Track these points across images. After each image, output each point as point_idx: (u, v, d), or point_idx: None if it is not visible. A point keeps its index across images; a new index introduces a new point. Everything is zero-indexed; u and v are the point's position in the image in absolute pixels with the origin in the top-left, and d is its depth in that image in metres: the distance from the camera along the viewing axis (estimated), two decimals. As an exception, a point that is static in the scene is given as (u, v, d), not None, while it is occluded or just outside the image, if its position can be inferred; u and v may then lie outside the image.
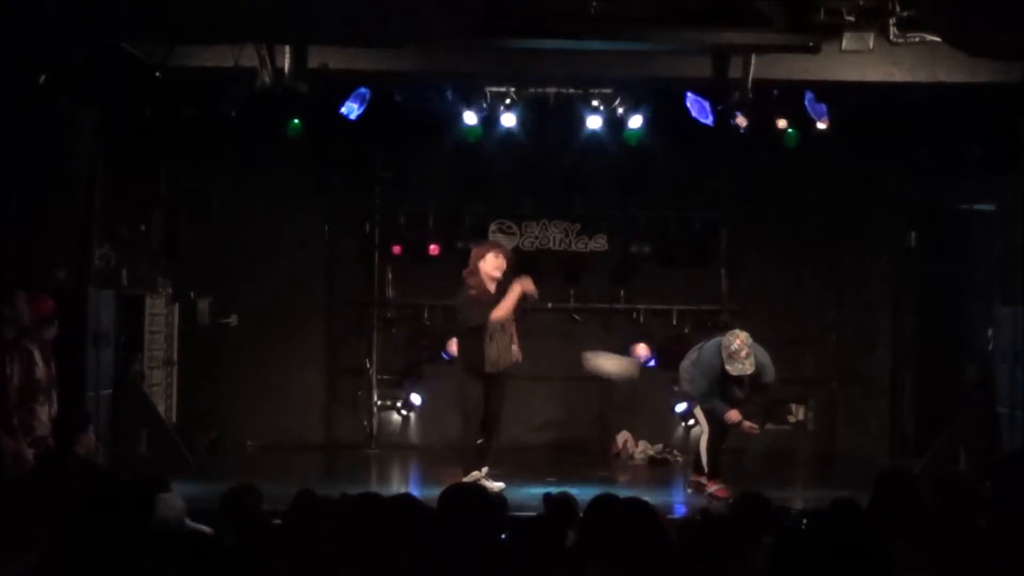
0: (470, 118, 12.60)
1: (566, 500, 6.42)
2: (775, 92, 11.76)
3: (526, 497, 9.30)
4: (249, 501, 6.48)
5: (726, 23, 10.45)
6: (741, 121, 11.90)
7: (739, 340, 10.58)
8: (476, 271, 10.62)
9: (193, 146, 13.27)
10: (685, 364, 11.14)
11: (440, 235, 13.93)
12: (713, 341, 10.91)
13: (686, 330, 14.00)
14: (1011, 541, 5.08)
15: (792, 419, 14.01)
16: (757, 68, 10.88)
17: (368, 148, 13.87)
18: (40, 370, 9.01)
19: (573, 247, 14.23)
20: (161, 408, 12.87)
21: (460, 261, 11.07)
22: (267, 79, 10.49)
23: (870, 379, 14.19)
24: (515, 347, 10.71)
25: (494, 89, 12.37)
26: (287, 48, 10.49)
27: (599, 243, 14.23)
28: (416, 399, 14.18)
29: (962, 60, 10.41)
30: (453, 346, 13.32)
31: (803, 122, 12.04)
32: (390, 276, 14.25)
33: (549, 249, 14.18)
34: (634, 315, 14.28)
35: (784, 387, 11.91)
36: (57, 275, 10.55)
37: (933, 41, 10.27)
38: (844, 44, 10.27)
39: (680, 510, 10.27)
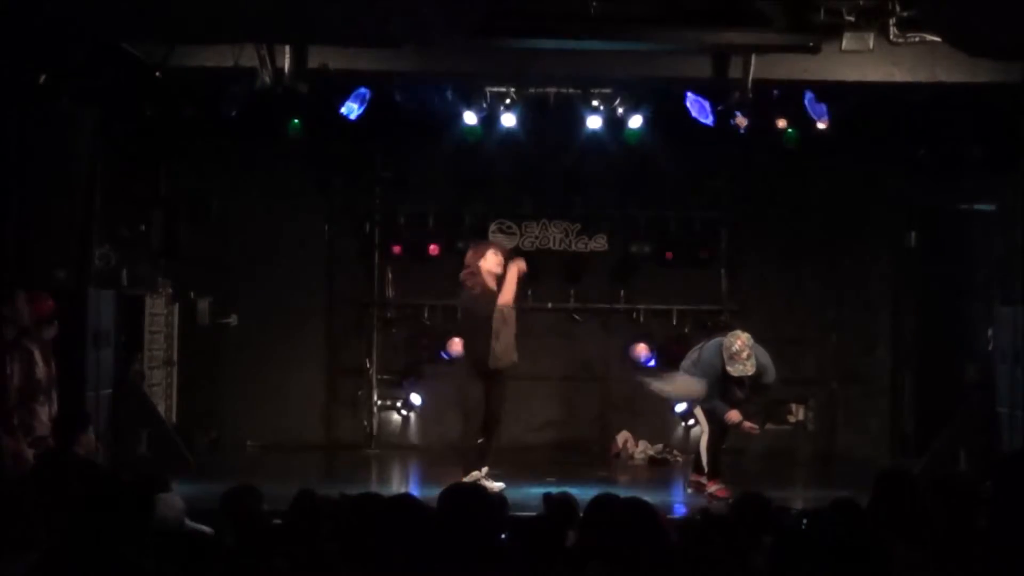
0: (470, 118, 12.60)
1: (566, 500, 6.41)
2: (775, 92, 11.77)
3: (526, 497, 9.29)
4: (249, 501, 6.47)
5: (726, 23, 10.45)
6: (741, 121, 11.91)
7: (740, 341, 10.58)
8: (477, 271, 10.63)
9: (193, 146, 13.28)
10: (685, 364, 11.13)
11: (440, 235, 13.93)
12: (714, 341, 10.90)
13: (686, 330, 14.00)
14: (1011, 541, 5.08)
15: (792, 419, 14.01)
16: (757, 68, 10.87)
17: (368, 148, 13.87)
18: (40, 370, 9.01)
19: (573, 247, 14.23)
20: (161, 408, 12.88)
21: (460, 261, 11.06)
22: (267, 79, 10.49)
23: (870, 379, 14.19)
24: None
25: (494, 89, 12.37)
26: (287, 48, 10.49)
27: (599, 243, 14.23)
28: (416, 399, 14.18)
29: (962, 60, 10.41)
30: (453, 346, 13.38)
31: (803, 122, 12.04)
32: (390, 276, 14.25)
33: (549, 249, 14.17)
34: (634, 315, 14.28)
35: (784, 387, 11.91)
36: (57, 275, 10.55)
37: (933, 41, 10.26)
38: (844, 44, 10.27)
39: (680, 510, 10.27)
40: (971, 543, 5.37)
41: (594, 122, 12.71)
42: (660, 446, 13.77)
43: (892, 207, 14.01)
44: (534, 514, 6.24)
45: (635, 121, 12.67)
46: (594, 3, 10.04)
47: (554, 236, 14.22)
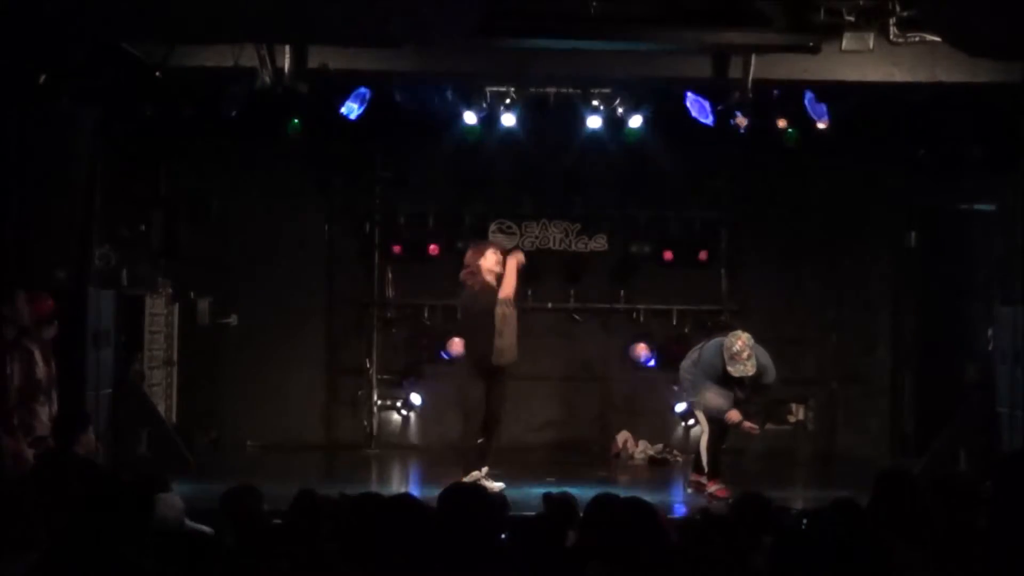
0: (470, 118, 12.60)
1: (566, 500, 6.42)
2: (775, 92, 11.76)
3: (526, 497, 9.29)
4: (249, 501, 6.47)
5: (726, 23, 10.45)
6: (741, 121, 11.90)
7: (741, 341, 10.57)
8: (478, 270, 10.64)
9: (193, 146, 13.29)
10: (685, 364, 11.13)
11: (440, 235, 13.93)
12: (714, 341, 10.90)
13: (686, 330, 14.00)
14: (1011, 541, 5.08)
15: (792, 419, 14.00)
16: (757, 68, 10.87)
17: (368, 148, 13.87)
18: (40, 370, 9.01)
19: (573, 247, 14.23)
20: (161, 408, 12.88)
21: (460, 261, 11.07)
22: (267, 79, 10.49)
23: (870, 379, 14.19)
24: None
25: (494, 89, 12.36)
26: (287, 48, 10.49)
27: (599, 243, 14.24)
28: (416, 399, 14.18)
29: (962, 60, 10.41)
30: (453, 346, 13.38)
31: (803, 122, 12.03)
32: (390, 276, 14.24)
33: (549, 249, 14.18)
34: (634, 315, 14.28)
35: (784, 387, 11.91)
36: (57, 275, 10.56)
37: (933, 41, 10.26)
38: (844, 44, 10.27)
39: (680, 510, 10.27)
40: (971, 543, 5.37)
41: (594, 122, 12.71)
42: (660, 446, 13.77)
43: (892, 207, 14.01)
44: (534, 514, 6.24)
45: (635, 121, 12.67)
46: (594, 3, 10.04)
47: (554, 236, 14.22)
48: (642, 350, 14.09)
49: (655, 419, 14.04)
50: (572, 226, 14.22)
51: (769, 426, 12.34)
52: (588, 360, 14.33)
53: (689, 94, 11.96)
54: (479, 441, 10.71)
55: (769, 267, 14.27)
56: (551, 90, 12.37)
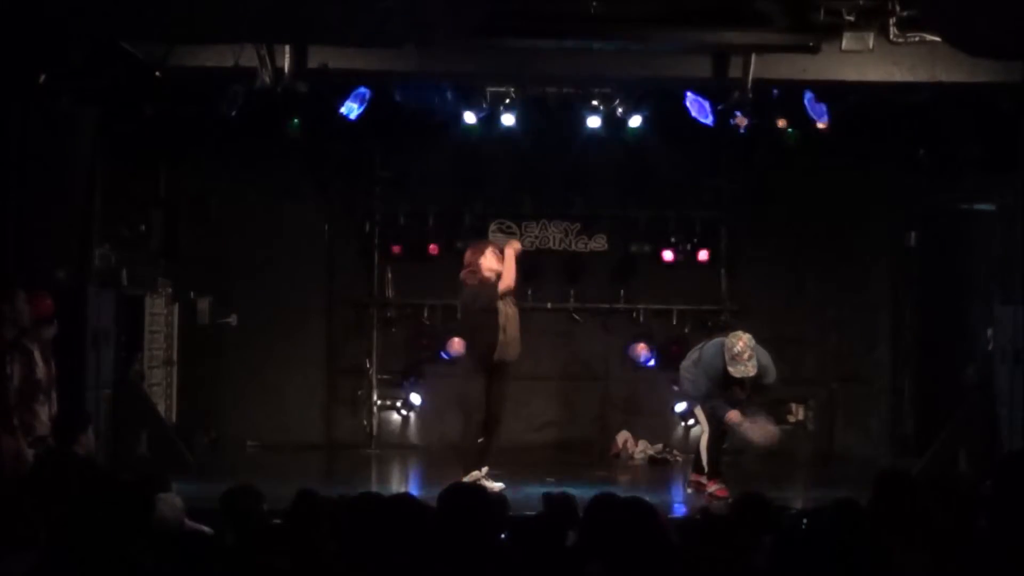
0: (470, 118, 12.61)
1: (566, 500, 6.41)
2: (775, 92, 11.76)
3: (526, 497, 9.29)
4: (249, 501, 6.47)
5: (726, 23, 10.45)
6: (741, 121, 11.91)
7: (742, 342, 10.57)
8: (478, 269, 10.64)
9: (193, 146, 13.28)
10: (686, 364, 11.13)
11: (440, 235, 13.93)
12: (715, 341, 10.90)
13: (686, 330, 14.01)
14: (1011, 541, 5.07)
15: (792, 419, 14.00)
16: (757, 68, 10.88)
17: (368, 148, 13.87)
18: (40, 370, 8.99)
19: (573, 247, 14.23)
20: (161, 408, 12.88)
21: (460, 261, 11.07)
22: (267, 79, 10.49)
23: (870, 379, 14.19)
24: None
25: (494, 89, 12.37)
26: (287, 48, 10.49)
27: (599, 243, 14.24)
28: (416, 399, 14.18)
29: (962, 60, 10.41)
30: (453, 346, 13.39)
31: (803, 122, 12.03)
32: (390, 276, 14.24)
33: (549, 249, 14.18)
34: (634, 315, 14.28)
35: (784, 387, 11.90)
36: (57, 275, 10.56)
37: (933, 41, 10.27)
38: (844, 44, 10.27)
39: (680, 510, 10.28)
40: (971, 543, 5.37)
41: (594, 122, 12.72)
42: (660, 446, 13.77)
43: (892, 207, 14.01)
44: (534, 514, 6.24)
45: (635, 121, 12.67)
46: (594, 3, 10.03)
47: (554, 236, 14.22)
48: (642, 350, 14.09)
49: (655, 419, 14.04)
50: (572, 226, 14.23)
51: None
52: (588, 360, 14.33)
53: (689, 94, 11.96)
54: (479, 441, 10.71)
55: (769, 267, 14.27)
56: (551, 90, 12.38)
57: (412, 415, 14.27)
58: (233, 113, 11.22)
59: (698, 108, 11.99)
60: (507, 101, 12.46)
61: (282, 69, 10.54)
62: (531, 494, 9.20)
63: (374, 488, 9.86)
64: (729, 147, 13.27)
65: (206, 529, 6.63)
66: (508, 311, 10.59)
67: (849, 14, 10.15)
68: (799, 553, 4.70)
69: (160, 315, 13.38)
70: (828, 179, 13.86)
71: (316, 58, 10.59)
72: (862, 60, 10.67)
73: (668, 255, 14.07)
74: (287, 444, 13.67)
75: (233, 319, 13.80)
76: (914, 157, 13.12)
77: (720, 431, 10.88)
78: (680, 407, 13.58)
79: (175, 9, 8.54)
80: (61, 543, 4.86)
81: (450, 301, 12.25)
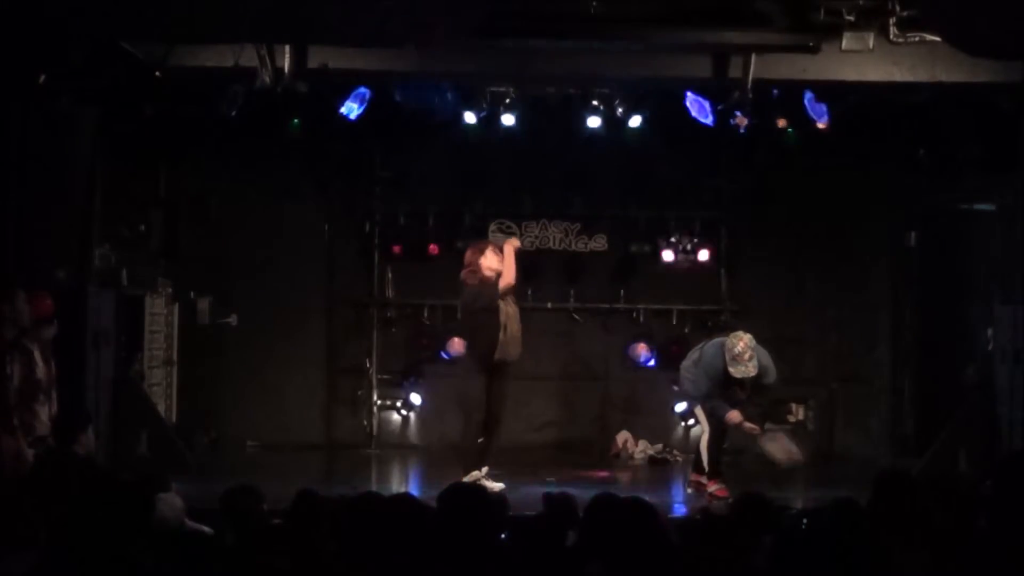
0: (470, 118, 12.61)
1: (566, 500, 6.41)
2: (775, 92, 11.76)
3: (526, 497, 9.29)
4: (249, 501, 6.47)
5: (726, 23, 10.45)
6: (741, 121, 11.90)
7: (742, 343, 10.56)
8: (478, 268, 10.64)
9: (193, 146, 13.28)
10: (686, 364, 11.12)
11: (440, 235, 13.93)
12: (715, 342, 10.89)
13: (686, 330, 14.01)
14: (1011, 541, 5.08)
15: (792, 419, 13.99)
16: (757, 68, 10.88)
17: (368, 148, 13.87)
18: (40, 370, 8.99)
19: (573, 247, 14.24)
20: (161, 408, 12.87)
21: (460, 261, 11.07)
22: (267, 79, 10.49)
23: (870, 379, 14.19)
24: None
25: (494, 89, 12.37)
26: (287, 48, 10.49)
27: (599, 243, 14.24)
28: (416, 399, 14.18)
29: (962, 60, 10.41)
30: (453, 346, 13.40)
31: (803, 122, 12.03)
32: (390, 276, 14.24)
33: (549, 249, 14.18)
34: (634, 315, 14.28)
35: (784, 387, 11.90)
36: (57, 275, 10.56)
37: (933, 41, 10.27)
38: (844, 44, 10.27)
39: (680, 510, 10.28)
40: (971, 543, 5.37)
41: (594, 122, 12.71)
42: (660, 446, 13.77)
43: (892, 207, 14.01)
44: (534, 514, 6.24)
45: (635, 121, 12.68)
46: (594, 3, 10.03)
47: (554, 236, 14.22)
48: (642, 350, 14.09)
49: (655, 419, 14.04)
50: (572, 226, 14.23)
51: (769, 426, 12.32)
52: (588, 360, 14.33)
53: (689, 94, 11.96)
54: (479, 441, 10.71)
55: (769, 267, 14.27)
56: (551, 90, 12.38)
57: (412, 415, 14.27)
58: (233, 113, 11.22)
59: (698, 108, 11.98)
60: (507, 101, 12.47)
61: (282, 69, 10.55)
62: (531, 494, 9.20)
63: (374, 488, 9.87)
64: (729, 147, 13.26)
65: (206, 529, 6.64)
66: (509, 310, 10.60)
67: (849, 14, 10.15)
68: (799, 553, 4.70)
69: (160, 315, 13.37)
70: (828, 179, 13.86)
71: (316, 58, 10.59)
72: (862, 60, 10.67)
73: (668, 255, 14.07)
74: (287, 444, 13.67)
75: (233, 319, 13.80)
76: (914, 157, 13.12)
77: (720, 431, 10.87)
78: (680, 407, 13.59)
79: (175, 9, 8.53)
80: (61, 543, 4.86)
81: (450, 301, 12.25)
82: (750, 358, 10.54)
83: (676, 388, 12.32)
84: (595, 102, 12.51)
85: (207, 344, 13.83)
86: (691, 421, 13.27)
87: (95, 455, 9.02)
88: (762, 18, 10.36)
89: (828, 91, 11.55)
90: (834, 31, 10.28)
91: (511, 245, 10.74)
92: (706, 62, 11.09)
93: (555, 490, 6.82)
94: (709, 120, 12.02)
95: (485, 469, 10.60)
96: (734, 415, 10.71)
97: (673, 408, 13.87)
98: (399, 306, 14.26)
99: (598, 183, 14.13)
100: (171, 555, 5.19)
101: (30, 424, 8.77)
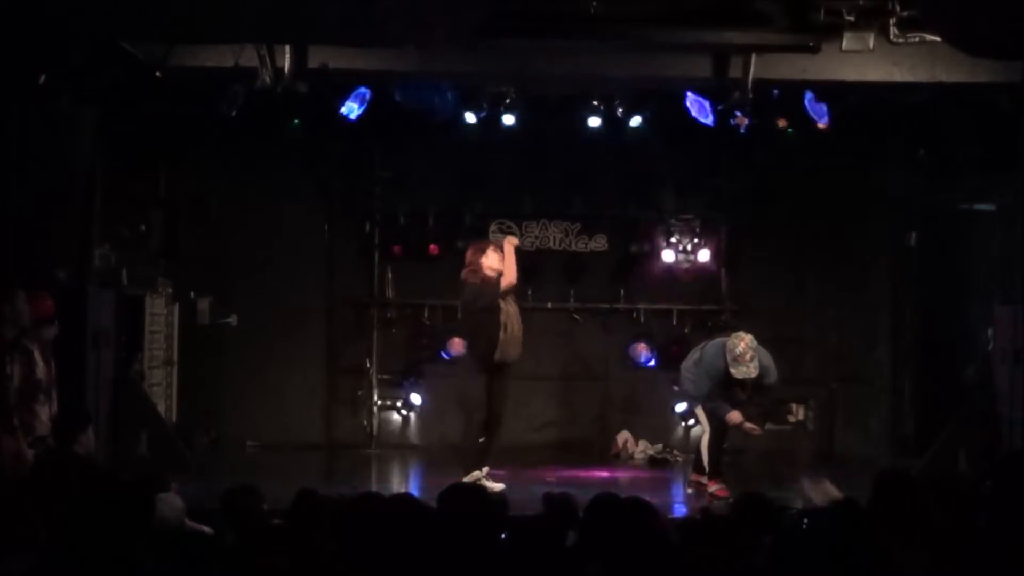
0: (470, 118, 12.61)
1: (566, 500, 6.41)
2: (775, 92, 11.76)
3: (526, 497, 9.29)
4: (249, 501, 6.47)
5: (726, 23, 10.46)
6: (741, 121, 11.90)
7: (744, 343, 10.56)
8: (479, 267, 10.64)
9: (193, 146, 13.28)
10: (687, 364, 11.12)
11: (440, 235, 13.93)
12: (716, 342, 10.89)
13: (686, 330, 14.01)
14: (1011, 541, 5.07)
15: (792, 419, 14.00)
16: (757, 68, 10.88)
17: (368, 148, 13.87)
18: (40, 370, 8.98)
19: (573, 247, 14.24)
20: (161, 408, 12.87)
21: (460, 261, 11.07)
22: (267, 79, 10.49)
23: (870, 379, 14.19)
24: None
25: (494, 89, 12.37)
26: (287, 48, 10.49)
27: (599, 243, 14.24)
28: (416, 399, 14.18)
29: (962, 60, 10.41)
30: (453, 346, 13.40)
31: (803, 122, 12.03)
32: (390, 276, 14.24)
33: (549, 249, 14.19)
34: (634, 315, 14.29)
35: (784, 387, 11.90)
36: (57, 275, 10.56)
37: (933, 41, 10.27)
38: (844, 44, 10.27)
39: (680, 510, 10.27)
40: (971, 543, 5.37)
41: (594, 122, 12.72)
42: (660, 446, 13.77)
43: (892, 207, 14.01)
44: (534, 514, 6.23)
45: (635, 121, 12.68)
46: (594, 3, 10.03)
47: (554, 236, 14.22)
48: (642, 350, 14.09)
49: (655, 419, 14.05)
50: (572, 226, 14.23)
51: (769, 426, 12.33)
52: (588, 360, 14.33)
53: (689, 94, 11.96)
54: (480, 441, 10.71)
55: (769, 267, 14.27)
56: (551, 90, 12.37)
57: (412, 415, 14.27)
58: (233, 113, 11.22)
59: (698, 108, 11.98)
60: (507, 101, 12.47)
61: (282, 69, 10.54)
62: (531, 494, 9.20)
63: (374, 488, 9.87)
64: (729, 147, 13.27)
65: (206, 529, 6.63)
66: (509, 309, 10.61)
67: (849, 14, 10.15)
68: (799, 553, 4.70)
69: (160, 315, 13.37)
70: (828, 179, 13.86)
71: (316, 58, 10.59)
72: (862, 60, 10.67)
73: (668, 255, 14.08)
74: (287, 444, 13.67)
75: (233, 319, 13.80)
76: (914, 157, 13.12)
77: (721, 431, 10.87)
78: (680, 407, 13.59)
79: (175, 9, 8.53)
80: (61, 543, 4.86)
81: (450, 301, 12.26)
82: (751, 359, 10.54)
83: (676, 388, 12.33)
84: (595, 102, 12.52)
85: (207, 344, 13.83)
86: (691, 421, 13.27)
87: (95, 455, 9.02)
88: (762, 18, 10.36)
89: (828, 91, 11.55)
90: (834, 31, 10.28)
91: (510, 244, 10.75)
92: (706, 62, 11.09)
93: (555, 490, 6.82)
94: (709, 120, 12.02)
95: (485, 469, 10.60)
96: (735, 415, 10.71)
97: (673, 408, 13.87)
98: (399, 306, 14.26)
99: (598, 183, 14.14)
100: (171, 555, 5.19)
101: (30, 424, 8.76)
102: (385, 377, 14.24)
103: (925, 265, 13.83)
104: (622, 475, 12.83)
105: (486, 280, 10.60)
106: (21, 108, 9.97)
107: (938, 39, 9.99)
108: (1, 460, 8.27)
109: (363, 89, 11.93)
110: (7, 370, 8.58)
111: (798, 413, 14.06)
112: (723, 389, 10.79)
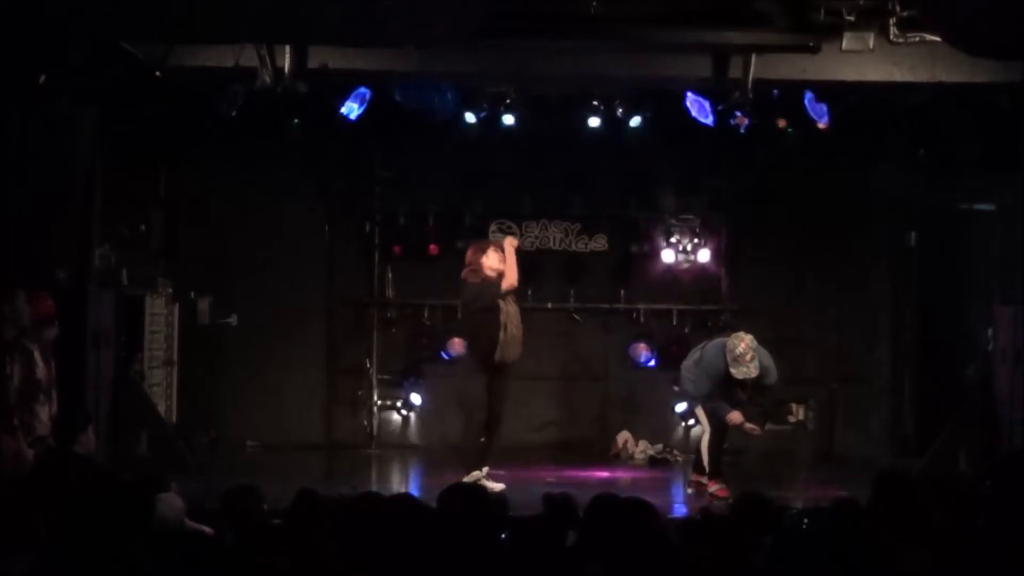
0: (470, 118, 12.61)
1: (566, 500, 6.41)
2: (775, 92, 11.76)
3: (526, 497, 9.29)
4: (249, 501, 6.48)
5: (726, 23, 10.45)
6: (741, 121, 11.90)
7: (744, 344, 10.56)
8: (480, 267, 10.65)
9: (193, 146, 13.28)
10: (687, 364, 11.13)
11: (440, 235, 13.93)
12: (716, 342, 10.89)
13: (686, 330, 14.01)
14: (1011, 541, 5.07)
15: (792, 419, 14.00)
16: (757, 68, 10.88)
17: (368, 148, 13.87)
18: (40, 370, 8.99)
19: (573, 247, 14.24)
20: (161, 408, 12.87)
21: (460, 261, 11.08)
22: (267, 79, 10.48)
23: (870, 379, 14.19)
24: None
25: (494, 89, 12.37)
26: (287, 48, 10.49)
27: (599, 243, 14.24)
28: (416, 399, 14.18)
29: (962, 60, 10.41)
30: (453, 346, 13.40)
31: (803, 122, 12.03)
32: (390, 276, 14.25)
33: (549, 249, 14.19)
34: (634, 315, 14.29)
35: (784, 387, 11.90)
36: (57, 275, 10.56)
37: (933, 41, 10.26)
38: (844, 44, 10.27)
39: (680, 510, 10.28)
40: (971, 543, 5.37)
41: (594, 122, 12.72)
42: (660, 446, 13.77)
43: (892, 207, 14.00)
44: (534, 514, 6.23)
45: (635, 121, 12.68)
46: (594, 3, 10.03)
47: (554, 236, 14.22)
48: (642, 350, 14.10)
49: (655, 419, 14.05)
50: (572, 226, 14.24)
51: (769, 426, 12.32)
52: (588, 360, 14.34)
53: (689, 94, 11.95)
54: (480, 441, 10.71)
55: (769, 267, 14.27)
56: (551, 90, 12.37)
57: (412, 415, 14.27)
58: (233, 113, 11.22)
59: (698, 108, 11.98)
60: (507, 101, 12.47)
61: (282, 69, 10.54)
62: (531, 494, 9.20)
63: (374, 488, 9.87)
64: (729, 147, 13.26)
65: (206, 529, 6.64)
66: (509, 309, 10.61)
67: (849, 14, 10.15)
68: (799, 553, 4.70)
69: (160, 315, 13.37)
70: (828, 179, 13.86)
71: (316, 58, 10.59)
72: (862, 60, 10.67)
73: (668, 255, 14.08)
74: (287, 444, 13.67)
75: (233, 319, 13.80)
76: (914, 157, 13.11)
77: (721, 431, 10.87)
78: (680, 407, 13.59)
79: (175, 9, 8.53)
80: (61, 543, 4.86)
81: (450, 301, 12.26)
82: (752, 359, 10.54)
83: (676, 388, 12.34)
84: (595, 102, 12.52)
85: (207, 344, 13.83)
86: (691, 421, 13.27)
87: (95, 455, 9.03)
88: (762, 18, 10.36)
89: (828, 91, 11.54)
90: (834, 31, 10.28)
91: (510, 244, 10.75)
92: (706, 62, 11.09)
93: (555, 490, 6.82)
94: (709, 120, 12.02)
95: (485, 469, 10.60)
96: (735, 416, 10.71)
97: (673, 408, 13.87)
98: (399, 306, 14.26)
99: (598, 183, 14.14)
100: (171, 555, 5.19)
101: (30, 424, 8.77)
102: (385, 377, 14.24)
103: (925, 265, 13.83)
104: (622, 475, 12.83)
105: (486, 280, 10.60)
106: (21, 108, 9.96)
107: (938, 39, 9.98)
108: (1, 460, 8.27)
109: (363, 89, 11.93)
110: (7, 370, 8.58)
111: (798, 413, 14.06)
112: (723, 389, 10.79)
